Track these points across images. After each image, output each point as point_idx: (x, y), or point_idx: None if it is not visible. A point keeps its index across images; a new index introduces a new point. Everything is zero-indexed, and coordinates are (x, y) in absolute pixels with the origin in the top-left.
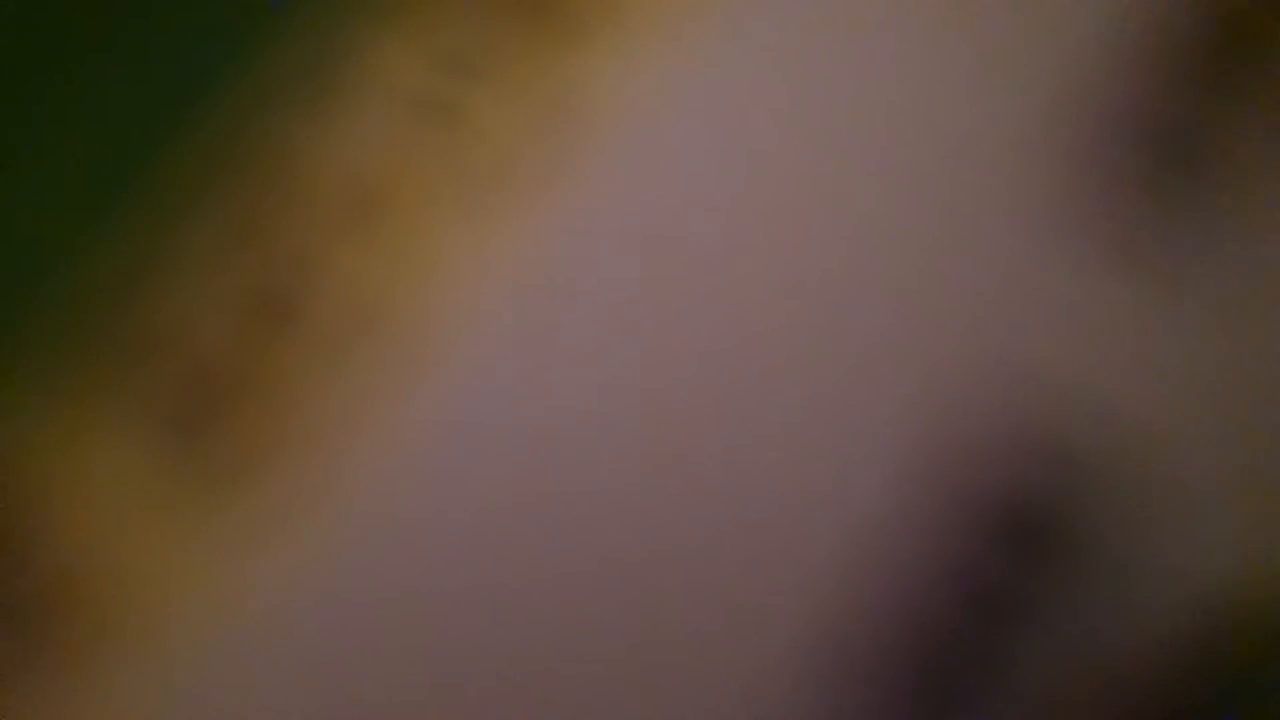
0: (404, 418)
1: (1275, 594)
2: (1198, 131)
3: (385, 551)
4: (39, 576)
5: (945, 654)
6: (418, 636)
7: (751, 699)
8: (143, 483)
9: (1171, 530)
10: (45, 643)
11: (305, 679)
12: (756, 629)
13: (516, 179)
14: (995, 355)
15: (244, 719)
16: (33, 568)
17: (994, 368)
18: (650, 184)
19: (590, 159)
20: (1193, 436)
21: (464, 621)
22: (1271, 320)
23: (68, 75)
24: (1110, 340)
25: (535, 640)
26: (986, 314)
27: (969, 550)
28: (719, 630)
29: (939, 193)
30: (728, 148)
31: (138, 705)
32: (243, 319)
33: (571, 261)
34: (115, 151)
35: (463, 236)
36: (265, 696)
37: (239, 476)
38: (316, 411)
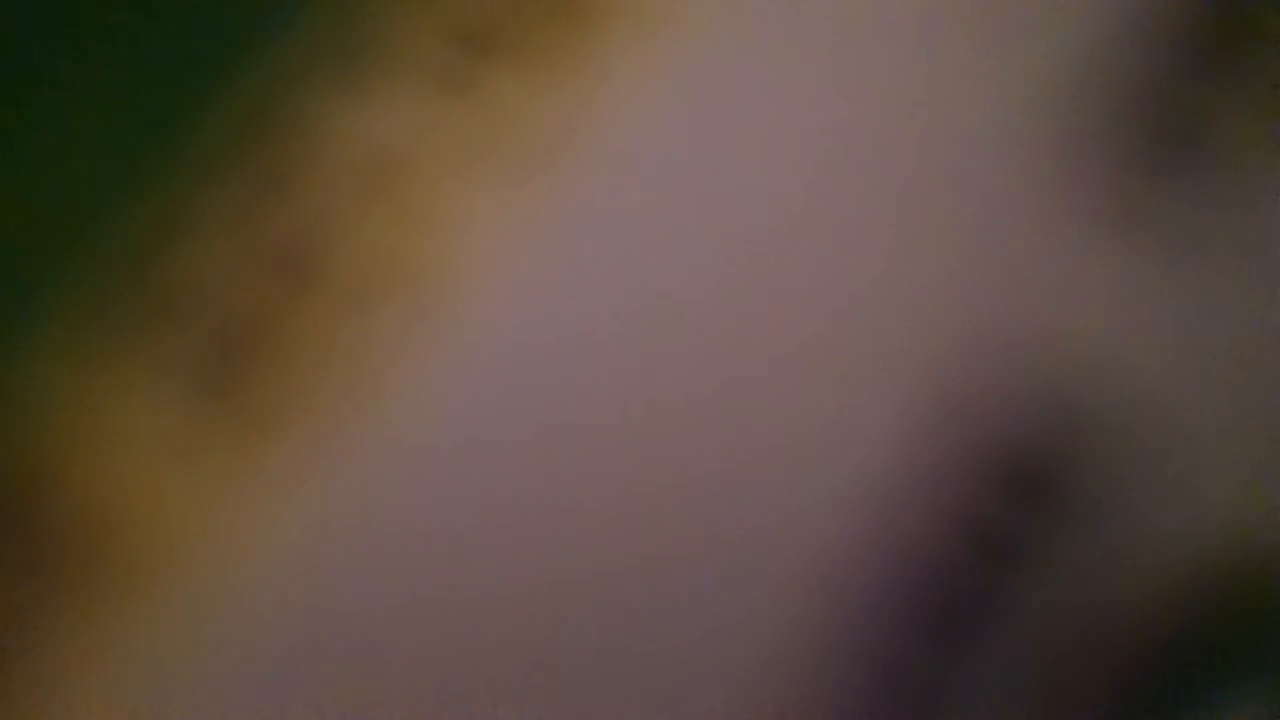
0: (423, 375)
1: (1269, 552)
2: (1195, 108)
3: (404, 504)
4: (64, 528)
5: (950, 597)
6: (439, 584)
7: (762, 641)
8: (167, 436)
9: (1168, 486)
10: (70, 593)
11: (328, 630)
12: (767, 576)
13: (530, 151)
14: (1001, 316)
15: (267, 669)
16: (58, 519)
17: (1000, 328)
18: (665, 155)
19: (604, 133)
20: (1190, 395)
21: (484, 567)
22: (1265, 287)
23: (100, 40)
24: (1111, 302)
25: (552, 586)
26: (992, 277)
27: (974, 500)
28: (731, 575)
29: (944, 163)
30: (740, 123)
31: (161, 654)
32: (268, 278)
33: (586, 227)
34: (146, 114)
35: (481, 203)
36: (288, 647)
37: (262, 430)
38: (338, 368)
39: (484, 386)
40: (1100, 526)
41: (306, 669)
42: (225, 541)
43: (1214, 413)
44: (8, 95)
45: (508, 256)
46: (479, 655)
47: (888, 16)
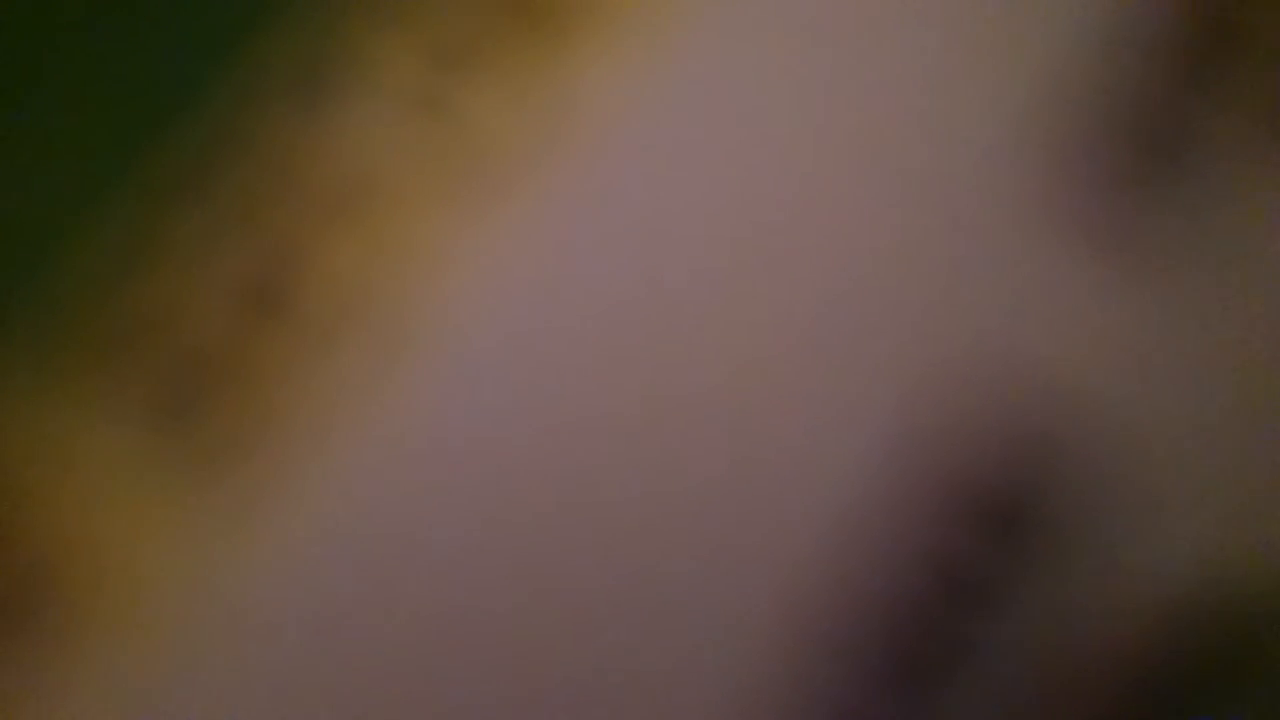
0: (389, 405)
1: (1245, 588)
2: (1180, 125)
3: (368, 538)
4: (20, 559)
5: (920, 636)
6: (398, 621)
7: (731, 677)
8: (127, 466)
9: (1145, 521)
10: (26, 625)
11: (286, 663)
12: (736, 610)
13: (505, 172)
14: (976, 346)
15: (225, 703)
16: (14, 550)
17: (975, 358)
18: (638, 177)
19: (579, 153)
20: (1170, 429)
21: (445, 606)
22: (1250, 312)
23: (61, 63)
24: (1090, 332)
25: (516, 622)
26: (967, 305)
27: (946, 536)
28: (699, 611)
29: (922, 185)
30: (716, 141)
31: (119, 687)
32: (231, 306)
33: (558, 253)
34: (108, 138)
35: (451, 229)
36: (246, 680)
37: (223, 462)
38: (302, 398)
39: (458, 417)
40: (1074, 561)
41: (270, 699)
42: (188, 574)
43: (1191, 443)
44: None
45: (483, 284)
46: (443, 691)
47: (867, 31)
